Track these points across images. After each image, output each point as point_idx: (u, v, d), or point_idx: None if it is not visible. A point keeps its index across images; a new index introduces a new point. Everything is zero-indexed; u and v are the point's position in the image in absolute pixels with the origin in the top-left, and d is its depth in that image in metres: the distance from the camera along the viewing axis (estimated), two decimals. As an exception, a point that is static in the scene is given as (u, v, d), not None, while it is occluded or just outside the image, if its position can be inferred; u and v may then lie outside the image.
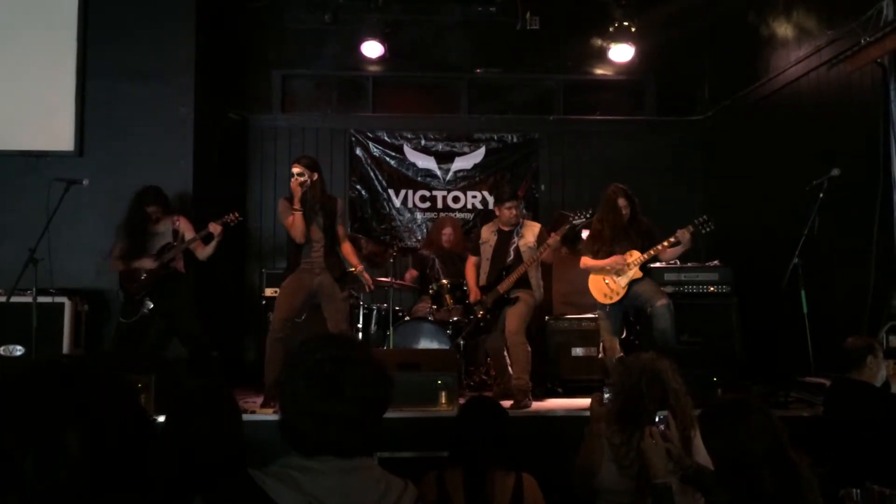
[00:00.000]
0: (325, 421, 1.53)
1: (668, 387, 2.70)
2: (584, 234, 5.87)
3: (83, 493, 1.06)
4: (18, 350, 5.40)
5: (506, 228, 5.65)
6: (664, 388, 2.69)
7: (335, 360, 1.58)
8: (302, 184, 4.99)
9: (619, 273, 5.24)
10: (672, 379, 2.73)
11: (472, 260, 5.82)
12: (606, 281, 5.33)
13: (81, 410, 1.10)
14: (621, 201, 5.29)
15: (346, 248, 5.25)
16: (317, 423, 1.53)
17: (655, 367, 2.74)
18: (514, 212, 5.59)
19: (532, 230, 5.62)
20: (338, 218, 5.17)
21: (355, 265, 5.22)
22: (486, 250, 5.70)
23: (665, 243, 5.16)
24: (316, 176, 5.07)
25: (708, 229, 5.17)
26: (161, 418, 2.68)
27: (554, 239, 5.36)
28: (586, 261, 5.40)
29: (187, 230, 5.51)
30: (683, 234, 5.10)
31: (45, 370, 1.16)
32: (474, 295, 5.62)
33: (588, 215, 5.35)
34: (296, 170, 5.04)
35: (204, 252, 5.49)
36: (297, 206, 4.98)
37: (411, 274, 6.86)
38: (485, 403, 2.99)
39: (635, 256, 5.21)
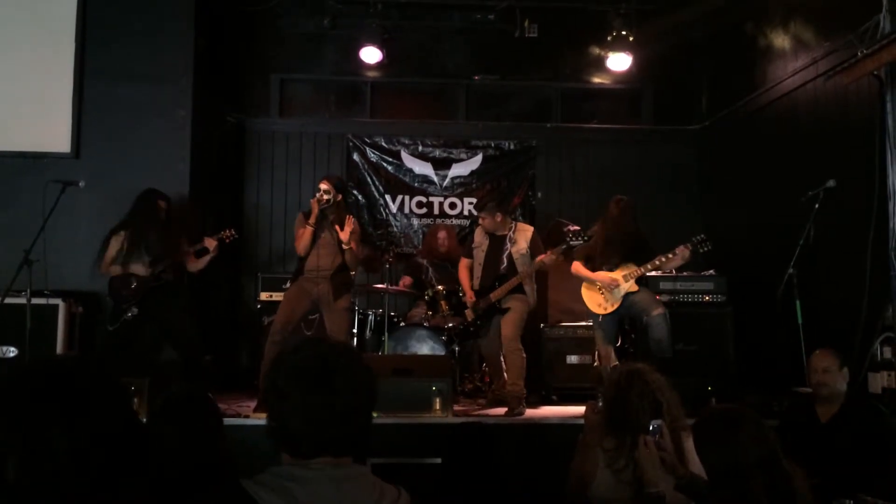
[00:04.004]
0: (316, 418, 1.51)
1: (660, 396, 2.69)
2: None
3: (68, 494, 1.05)
4: (12, 351, 5.37)
5: (497, 233, 5.63)
6: (653, 398, 2.68)
7: (318, 356, 1.57)
8: (325, 201, 5.02)
9: (612, 289, 5.25)
10: (662, 388, 2.73)
11: (464, 262, 5.76)
12: (602, 291, 5.33)
13: (69, 413, 1.09)
14: (629, 214, 5.30)
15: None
16: (309, 421, 1.51)
17: (643, 376, 2.74)
18: (486, 221, 5.54)
19: (524, 235, 5.56)
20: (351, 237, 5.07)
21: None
22: (479, 255, 5.66)
23: (663, 258, 5.16)
24: (340, 197, 5.14)
25: (705, 248, 5.19)
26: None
27: (549, 258, 5.33)
28: (578, 267, 5.39)
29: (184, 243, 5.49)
30: (684, 252, 5.12)
31: (34, 372, 1.14)
32: (470, 297, 5.56)
33: (586, 238, 5.33)
34: (323, 186, 5.10)
35: (195, 265, 5.47)
36: (311, 220, 5.03)
37: (405, 281, 6.84)
38: (474, 431, 2.44)
39: (630, 270, 5.21)
